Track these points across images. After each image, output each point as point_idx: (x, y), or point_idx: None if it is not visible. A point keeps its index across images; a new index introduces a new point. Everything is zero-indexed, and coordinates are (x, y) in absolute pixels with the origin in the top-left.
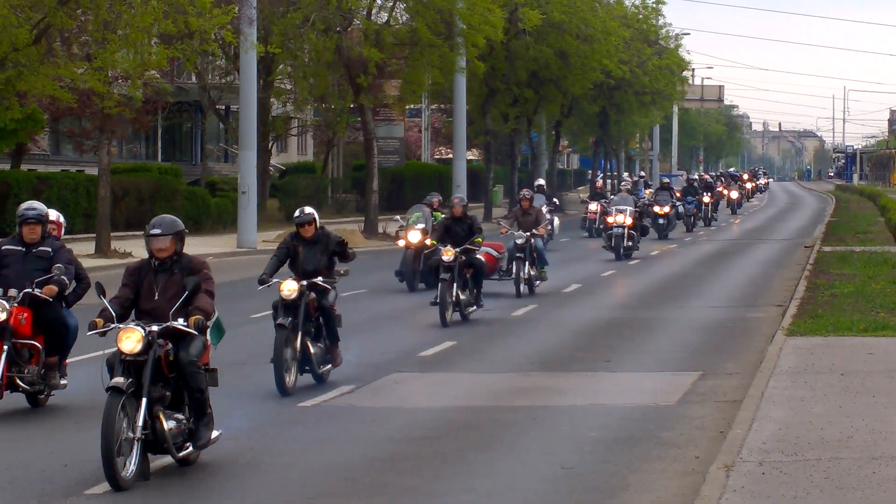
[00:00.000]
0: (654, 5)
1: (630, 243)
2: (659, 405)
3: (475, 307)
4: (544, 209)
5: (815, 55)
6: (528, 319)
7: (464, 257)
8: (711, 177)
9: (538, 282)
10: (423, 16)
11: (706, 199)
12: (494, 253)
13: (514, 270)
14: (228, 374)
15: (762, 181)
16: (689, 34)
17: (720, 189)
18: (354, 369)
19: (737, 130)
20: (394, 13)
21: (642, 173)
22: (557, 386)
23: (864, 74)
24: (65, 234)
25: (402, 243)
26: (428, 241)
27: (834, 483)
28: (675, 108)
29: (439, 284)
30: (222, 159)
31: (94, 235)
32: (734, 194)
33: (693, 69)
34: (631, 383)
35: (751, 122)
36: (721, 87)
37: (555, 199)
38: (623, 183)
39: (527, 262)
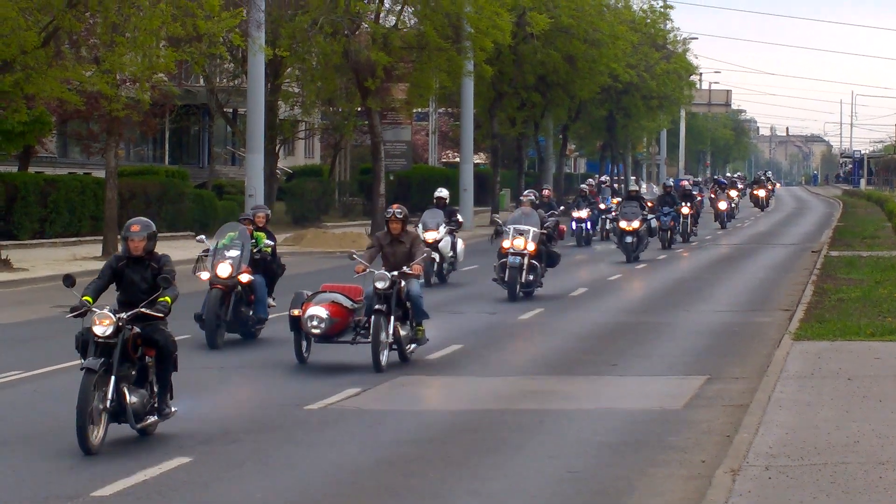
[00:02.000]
0: (662, 10)
1: (531, 277)
2: (665, 409)
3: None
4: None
5: (823, 60)
6: (535, 323)
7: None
8: (694, 183)
9: (413, 346)
10: (431, 19)
11: (685, 210)
12: (346, 302)
13: (371, 330)
14: (234, 377)
15: (756, 190)
16: (696, 38)
17: (706, 197)
18: (360, 372)
19: (744, 135)
20: (402, 17)
21: (605, 178)
22: (564, 390)
23: (872, 79)
24: (71, 236)
25: (204, 276)
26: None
27: (840, 488)
28: (683, 113)
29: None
30: (229, 162)
31: (102, 238)
32: (722, 205)
33: (700, 73)
34: (637, 387)
35: (758, 127)
36: (728, 92)
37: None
38: (525, 193)
39: (392, 318)
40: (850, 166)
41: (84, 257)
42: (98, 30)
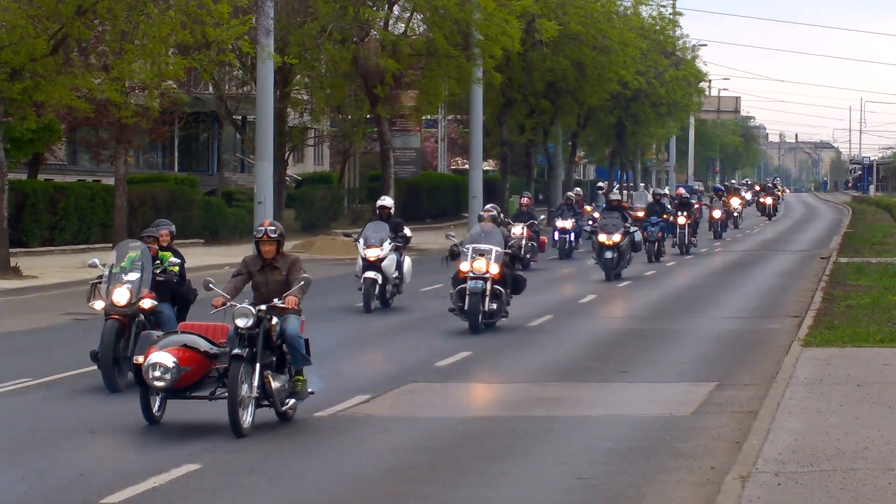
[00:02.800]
0: (671, 17)
1: (495, 305)
2: (675, 416)
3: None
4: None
5: (832, 66)
6: (544, 329)
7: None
8: (694, 191)
9: (291, 401)
10: (440, 26)
11: (682, 220)
12: (203, 345)
13: (228, 381)
14: None
15: (763, 198)
16: (705, 45)
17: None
18: (370, 379)
19: (753, 141)
20: (411, 24)
21: (578, 190)
22: (573, 396)
23: (881, 86)
24: (80, 244)
25: (98, 306)
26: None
27: (850, 494)
28: (692, 119)
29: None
30: (239, 169)
31: (111, 245)
32: (716, 213)
33: (710, 80)
34: (647, 394)
35: (767, 133)
36: (738, 99)
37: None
38: (486, 208)
39: (258, 366)
40: (860, 173)
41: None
42: (107, 37)
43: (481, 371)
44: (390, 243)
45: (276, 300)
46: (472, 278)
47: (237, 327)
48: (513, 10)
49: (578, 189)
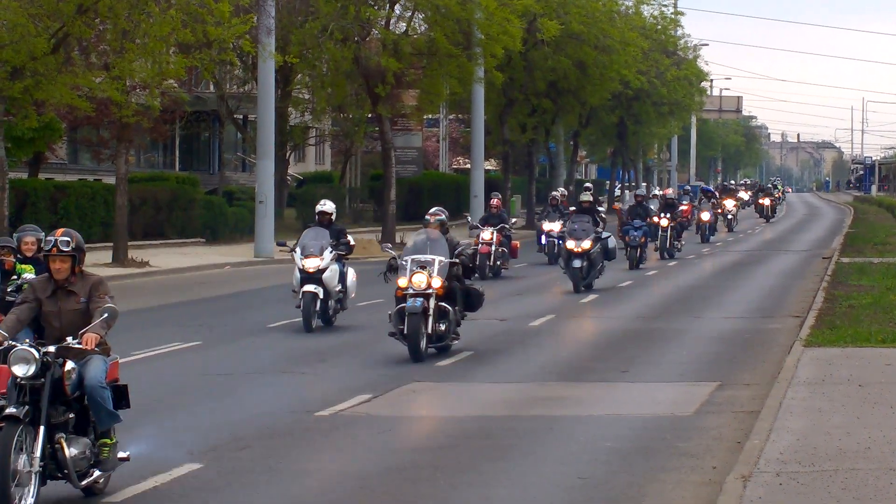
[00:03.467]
0: (673, 16)
1: (442, 326)
2: (676, 415)
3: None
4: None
5: (834, 66)
6: (545, 330)
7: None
8: (685, 192)
9: (96, 472)
10: (442, 26)
11: (664, 222)
12: None
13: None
14: (245, 384)
15: (761, 199)
16: (707, 45)
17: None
18: (371, 379)
19: (755, 141)
20: (412, 23)
21: (562, 190)
22: (574, 396)
23: (883, 85)
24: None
25: None
26: None
27: (851, 494)
28: (694, 119)
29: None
30: (240, 169)
31: (112, 245)
32: (705, 215)
33: (711, 80)
34: (648, 393)
35: (769, 133)
36: (739, 98)
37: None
38: (432, 212)
39: (42, 430)
40: (861, 173)
41: (94, 264)
42: (108, 36)
43: (482, 371)
44: (331, 252)
45: (69, 339)
46: (412, 295)
47: (14, 376)
48: (514, 9)
49: (563, 190)
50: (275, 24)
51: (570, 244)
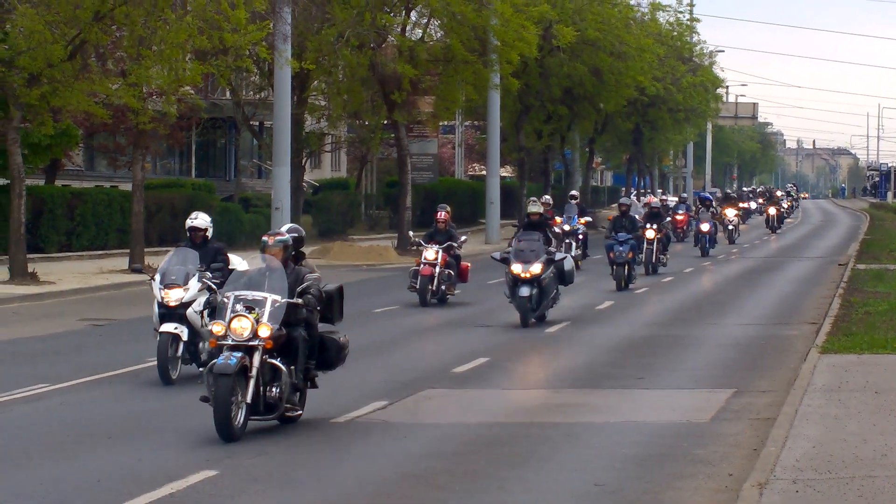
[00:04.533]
0: (689, 23)
1: (275, 390)
2: (692, 422)
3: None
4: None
5: (850, 72)
6: (561, 336)
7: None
8: (681, 201)
9: None
10: (458, 32)
11: (650, 233)
12: None
13: None
14: None
15: (784, 204)
16: (723, 51)
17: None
18: (387, 385)
19: (771, 148)
20: (428, 30)
21: (546, 198)
22: (590, 403)
23: None
24: (98, 250)
25: None
26: None
27: (867, 501)
28: (709, 126)
29: None
30: (256, 175)
31: (128, 251)
32: (704, 226)
33: (727, 86)
34: (664, 400)
35: (785, 140)
36: (755, 105)
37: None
38: (275, 232)
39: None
40: (877, 179)
41: (111, 270)
42: (124, 43)
43: (498, 377)
44: (199, 281)
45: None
46: (231, 347)
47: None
48: (530, 16)
49: (547, 197)
50: (291, 30)
51: (516, 268)
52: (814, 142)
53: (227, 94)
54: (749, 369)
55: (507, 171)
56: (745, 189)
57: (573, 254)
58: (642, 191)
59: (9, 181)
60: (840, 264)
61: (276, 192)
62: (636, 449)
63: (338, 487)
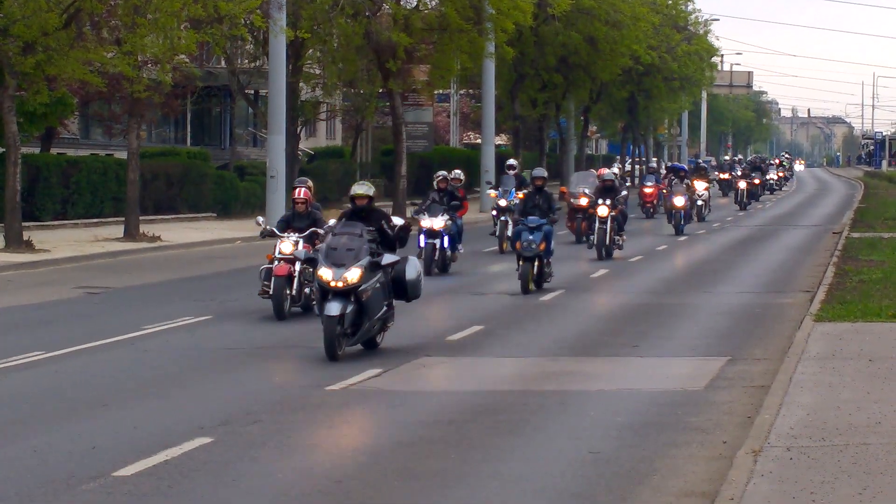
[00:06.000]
0: None
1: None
2: (687, 390)
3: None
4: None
5: (845, 41)
6: (556, 304)
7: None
8: (651, 171)
9: None
10: (453, 1)
11: (602, 211)
12: None
13: None
14: (255, 358)
15: (770, 175)
16: (718, 20)
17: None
18: (382, 353)
19: (765, 116)
20: None
21: (457, 172)
22: (585, 371)
23: (894, 60)
24: (93, 218)
25: None
26: None
27: (862, 468)
28: (704, 94)
29: None
30: (251, 144)
31: (123, 219)
32: (679, 200)
33: (722, 55)
34: (659, 368)
35: (780, 108)
36: (750, 73)
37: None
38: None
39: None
40: (872, 148)
41: (106, 238)
42: (119, 11)
43: (493, 345)
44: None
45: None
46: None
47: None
48: None
49: (458, 171)
50: None
51: (325, 273)
52: (809, 110)
53: (223, 62)
54: (743, 337)
55: (501, 140)
56: (726, 159)
57: (509, 232)
58: (638, 159)
59: (4, 149)
60: (834, 233)
61: (271, 160)
62: (631, 417)
63: (332, 455)
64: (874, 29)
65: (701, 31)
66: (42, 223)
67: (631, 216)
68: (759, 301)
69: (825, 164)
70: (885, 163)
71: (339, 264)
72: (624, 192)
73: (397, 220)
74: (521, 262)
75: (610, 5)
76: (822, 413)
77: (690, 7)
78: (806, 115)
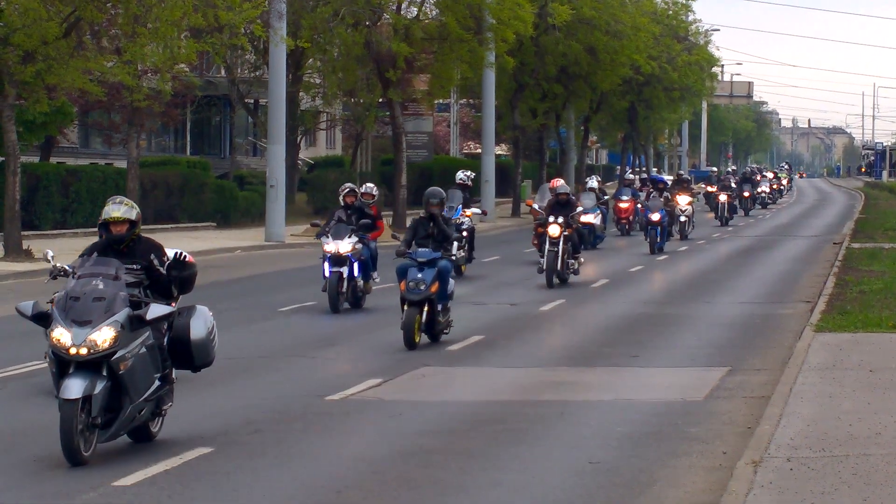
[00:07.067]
0: (684, 1)
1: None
2: (686, 400)
3: None
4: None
5: (845, 52)
6: (556, 314)
7: None
8: (627, 183)
9: None
10: (453, 10)
11: (553, 230)
12: None
13: None
14: (256, 368)
15: (762, 188)
16: (718, 30)
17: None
18: (381, 363)
19: (766, 127)
20: (423, 8)
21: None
22: (585, 381)
23: (894, 71)
24: (92, 227)
25: None
26: None
27: (862, 479)
28: (704, 105)
29: None
30: (251, 153)
31: None
32: (655, 216)
33: (722, 65)
34: (658, 378)
35: (780, 119)
36: (750, 84)
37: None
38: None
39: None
40: (873, 158)
41: None
42: (119, 20)
43: (493, 355)
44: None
45: None
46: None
47: None
48: None
49: (371, 185)
50: (286, 8)
51: (62, 336)
52: (809, 121)
53: (223, 71)
54: (743, 348)
55: (502, 150)
56: (716, 169)
57: (454, 254)
58: (637, 169)
59: (3, 158)
60: (835, 243)
61: (270, 169)
62: (631, 427)
63: (332, 465)
64: (875, 40)
65: (701, 42)
66: (41, 232)
67: (608, 232)
68: (759, 311)
69: (825, 174)
70: (885, 173)
71: (82, 322)
72: (580, 209)
73: (171, 253)
74: (405, 308)
75: (610, 15)
76: (822, 424)
77: (691, 17)
78: (806, 126)
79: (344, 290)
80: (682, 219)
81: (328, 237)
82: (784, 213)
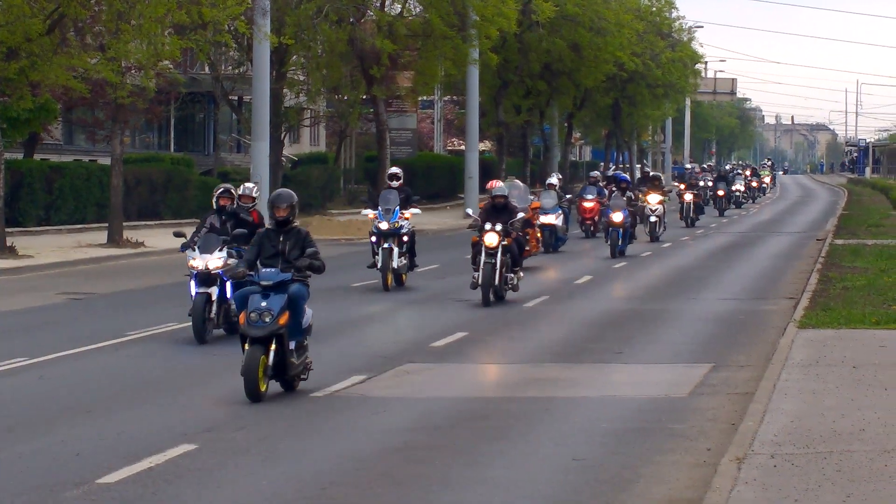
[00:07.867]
0: None
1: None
2: (670, 397)
3: None
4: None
5: (829, 48)
6: (540, 311)
7: None
8: (592, 181)
9: None
10: (437, 7)
11: (491, 238)
12: None
13: None
14: (239, 365)
15: (737, 186)
16: (702, 27)
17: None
18: (366, 360)
19: (749, 123)
20: (407, 4)
21: (250, 185)
22: (569, 377)
23: (877, 68)
24: (76, 224)
25: None
26: None
27: (846, 476)
28: (688, 101)
29: None
30: (235, 150)
31: (107, 225)
32: (617, 216)
33: (706, 62)
34: (643, 375)
35: (763, 115)
36: (734, 80)
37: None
38: None
39: None
40: (856, 155)
41: (89, 244)
42: (103, 17)
43: (477, 351)
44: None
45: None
46: None
47: None
48: None
49: (250, 185)
50: (270, 5)
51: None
52: (792, 117)
53: (206, 68)
54: (727, 344)
55: (485, 146)
56: (689, 166)
57: (395, 263)
58: (621, 165)
59: None
60: (818, 239)
61: (254, 166)
62: (614, 423)
63: (317, 461)
64: (858, 36)
65: (685, 38)
66: (25, 229)
67: (571, 233)
68: (742, 308)
69: (809, 171)
70: (868, 170)
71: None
72: (521, 215)
73: None
74: (245, 346)
75: (594, 12)
76: (805, 420)
77: (674, 14)
78: (790, 122)
79: (211, 315)
80: (653, 219)
81: (195, 250)
82: (766, 209)
